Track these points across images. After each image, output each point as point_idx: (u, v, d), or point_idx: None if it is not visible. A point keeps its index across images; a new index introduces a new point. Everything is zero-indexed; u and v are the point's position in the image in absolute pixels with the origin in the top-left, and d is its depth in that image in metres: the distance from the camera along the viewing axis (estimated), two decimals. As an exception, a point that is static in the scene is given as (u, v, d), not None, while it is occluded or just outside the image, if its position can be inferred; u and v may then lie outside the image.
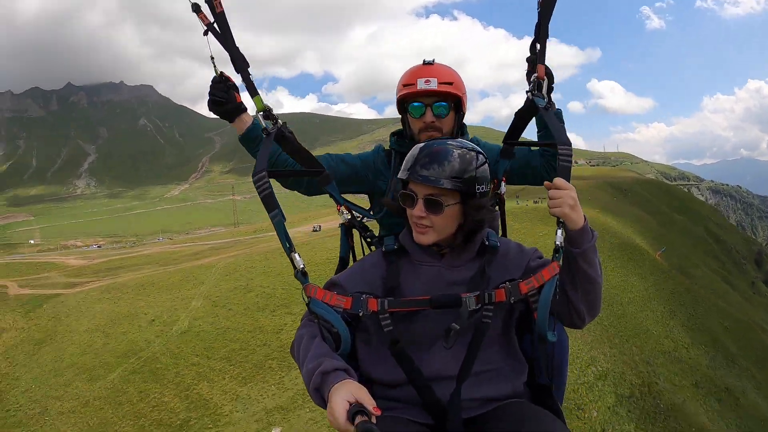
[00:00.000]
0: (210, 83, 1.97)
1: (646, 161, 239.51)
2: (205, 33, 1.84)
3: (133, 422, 13.50)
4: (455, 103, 2.12)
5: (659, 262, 25.03)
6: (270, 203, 1.57)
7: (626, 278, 20.81)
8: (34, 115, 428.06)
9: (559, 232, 1.52)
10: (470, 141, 2.07)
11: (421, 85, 2.06)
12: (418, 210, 1.54)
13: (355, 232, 2.10)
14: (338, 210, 2.04)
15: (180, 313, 20.32)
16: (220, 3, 1.81)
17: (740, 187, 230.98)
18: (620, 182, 53.61)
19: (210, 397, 13.56)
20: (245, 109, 2.02)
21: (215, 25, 1.83)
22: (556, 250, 1.53)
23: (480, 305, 1.52)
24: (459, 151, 1.54)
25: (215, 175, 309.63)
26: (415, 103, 2.09)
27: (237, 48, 1.86)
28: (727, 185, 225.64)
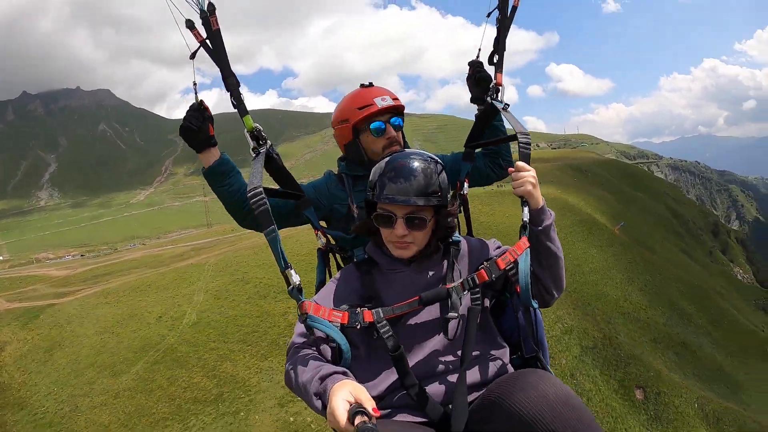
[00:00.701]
0: (187, 109, 1.92)
1: (606, 141, 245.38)
2: (192, 56, 1.81)
3: (168, 404, 14.70)
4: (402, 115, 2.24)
5: (618, 236, 26.93)
6: (265, 220, 1.53)
7: (587, 251, 22.47)
8: None
9: (525, 209, 1.62)
10: None
11: (379, 103, 2.15)
12: (399, 230, 1.58)
13: (332, 256, 2.22)
14: (316, 234, 2.10)
15: (185, 308, 21.18)
16: (216, 21, 1.77)
17: (699, 163, 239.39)
18: (580, 163, 55.71)
19: (235, 373, 14.87)
20: (215, 143, 2.01)
21: (208, 42, 1.79)
22: (524, 226, 1.62)
23: (467, 291, 1.59)
24: (422, 165, 1.61)
25: (180, 177, 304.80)
26: (375, 123, 2.16)
27: (229, 66, 1.81)
28: (686, 161, 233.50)
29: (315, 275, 2.19)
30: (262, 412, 13.29)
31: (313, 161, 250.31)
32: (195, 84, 1.86)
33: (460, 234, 1.86)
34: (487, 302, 1.73)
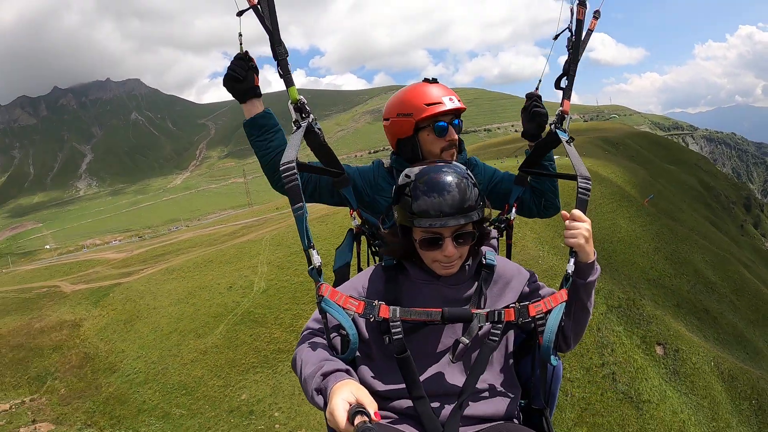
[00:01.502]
0: (232, 59, 1.89)
1: (639, 113, 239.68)
2: (239, 13, 1.76)
3: (255, 355, 17.00)
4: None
5: (647, 207, 27.46)
6: (295, 196, 1.48)
7: (615, 221, 23.40)
8: (24, 124, 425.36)
9: (572, 261, 1.54)
10: (468, 161, 2.25)
11: (448, 103, 2.05)
12: (449, 250, 1.51)
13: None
14: (351, 214, 2.06)
15: (252, 278, 23.15)
16: None
17: (735, 135, 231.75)
18: (612, 136, 55.62)
19: None
20: (260, 95, 1.97)
21: (259, 7, 1.73)
22: (566, 278, 1.56)
23: (489, 323, 1.53)
24: (457, 179, 1.51)
25: (214, 160, 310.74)
26: (441, 123, 2.07)
27: (279, 33, 1.74)
28: (722, 133, 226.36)
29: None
30: None
31: (344, 139, 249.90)
32: (240, 35, 1.81)
33: (497, 255, 1.80)
34: (511, 338, 1.69)
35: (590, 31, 2.07)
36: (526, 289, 1.69)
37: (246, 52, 1.89)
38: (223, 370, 17.94)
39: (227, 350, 18.74)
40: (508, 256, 2.17)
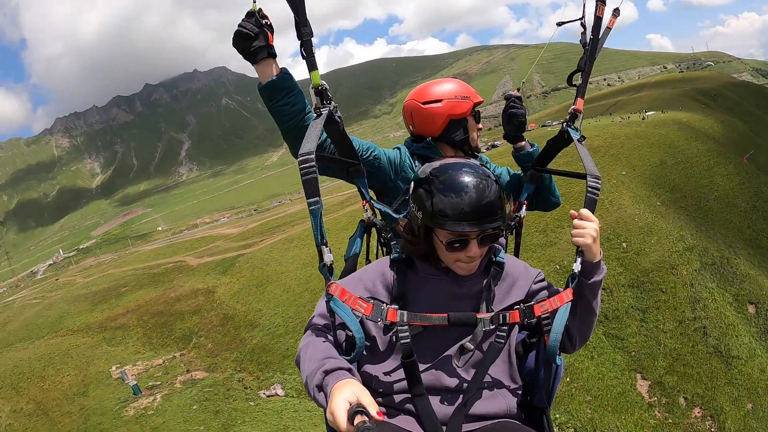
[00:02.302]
0: (244, 17, 1.70)
1: (739, 59, 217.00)
2: None
3: None
4: None
5: (745, 165, 26.86)
6: (312, 189, 1.40)
7: (712, 179, 23.49)
8: (122, 121, 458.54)
9: (578, 260, 1.55)
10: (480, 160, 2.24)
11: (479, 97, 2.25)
12: (474, 251, 1.51)
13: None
14: (363, 206, 2.01)
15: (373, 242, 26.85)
16: None
17: None
18: (709, 88, 52.31)
19: None
20: (275, 55, 1.78)
21: None
22: (573, 277, 1.56)
23: (494, 326, 1.53)
24: (483, 180, 1.50)
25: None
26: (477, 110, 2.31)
27: (305, 12, 1.59)
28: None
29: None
30: None
31: None
32: None
33: (503, 252, 1.75)
34: (514, 335, 1.67)
35: (608, 29, 2.02)
36: (533, 287, 1.67)
37: (260, 9, 1.71)
38: None
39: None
40: (517, 253, 2.18)
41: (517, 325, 1.64)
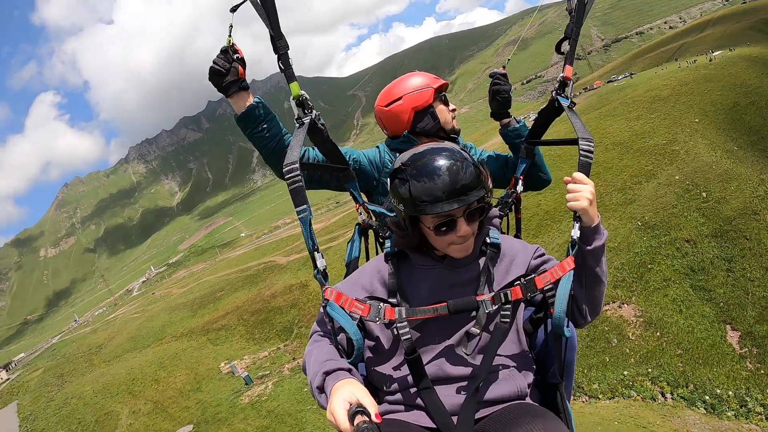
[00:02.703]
0: (218, 53, 1.80)
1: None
2: (233, 9, 1.71)
3: None
4: None
5: None
6: (299, 198, 1.47)
7: None
8: (192, 140, 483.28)
9: (576, 226, 1.50)
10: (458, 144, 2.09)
11: (441, 80, 2.33)
12: (464, 229, 1.47)
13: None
14: (356, 209, 2.05)
15: None
16: None
17: None
18: None
19: None
20: (246, 87, 1.88)
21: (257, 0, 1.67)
22: (573, 244, 1.50)
23: (497, 306, 1.48)
24: (458, 154, 1.47)
25: (372, 126, 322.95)
26: (444, 94, 2.35)
27: (279, 27, 1.67)
28: None
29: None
30: None
31: None
32: (231, 26, 1.73)
33: (500, 232, 1.73)
34: (521, 314, 1.62)
35: None
36: (533, 262, 1.61)
37: (233, 44, 1.78)
38: None
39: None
40: (518, 229, 2.18)
41: (522, 303, 1.59)
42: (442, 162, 1.44)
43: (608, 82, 68.77)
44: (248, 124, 1.92)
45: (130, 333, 65.66)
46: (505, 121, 2.36)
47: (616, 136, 27.26)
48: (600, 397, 15.60)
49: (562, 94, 1.93)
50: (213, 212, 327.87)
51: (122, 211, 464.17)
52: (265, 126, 1.94)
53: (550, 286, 1.49)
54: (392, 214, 1.88)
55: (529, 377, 1.57)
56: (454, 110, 2.35)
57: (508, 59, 2.41)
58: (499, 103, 2.31)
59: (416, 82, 2.24)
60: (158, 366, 41.42)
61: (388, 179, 1.57)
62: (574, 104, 1.88)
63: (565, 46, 1.98)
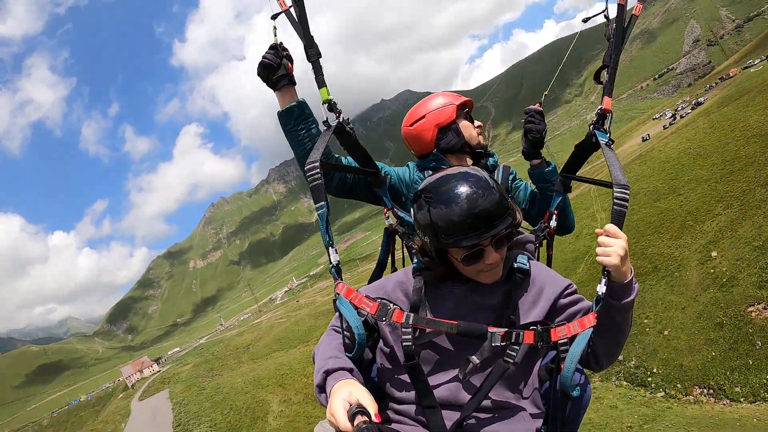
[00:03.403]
0: (268, 48, 1.89)
1: None
2: (274, 17, 1.82)
3: None
4: None
5: None
6: (318, 195, 1.53)
7: None
8: None
9: (603, 281, 1.43)
10: (494, 169, 2.29)
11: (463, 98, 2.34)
12: (491, 259, 1.43)
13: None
14: (385, 213, 2.06)
15: (594, 225, 28.62)
16: None
17: None
18: None
19: (661, 251, 22.52)
20: (295, 83, 1.94)
21: (292, 10, 1.79)
22: (597, 300, 1.44)
23: (505, 343, 1.42)
24: (483, 179, 1.43)
25: (503, 136, 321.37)
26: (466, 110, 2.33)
27: (311, 36, 1.78)
28: None
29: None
30: (690, 270, 19.85)
31: (624, 73, 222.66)
32: (275, 28, 1.84)
33: (527, 259, 1.62)
34: (539, 356, 1.59)
35: (635, 17, 1.91)
36: (561, 302, 1.54)
37: (280, 42, 1.88)
38: (593, 297, 23.27)
39: (592, 282, 22.82)
40: (549, 267, 1.96)
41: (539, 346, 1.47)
42: (463, 190, 1.40)
43: (744, 68, 61.73)
44: (290, 120, 1.95)
45: (277, 335, 73.00)
46: (536, 162, 2.30)
47: (756, 128, 25.22)
48: (741, 400, 15.17)
49: (601, 129, 1.84)
50: (350, 227, 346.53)
51: (264, 228, 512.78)
52: (305, 124, 1.97)
53: (565, 340, 1.43)
54: None
55: (538, 423, 1.53)
56: (479, 127, 2.36)
57: (545, 94, 2.43)
58: (530, 142, 2.27)
59: (439, 101, 2.28)
60: (306, 362, 44.74)
61: (413, 206, 1.54)
62: (613, 141, 1.77)
63: (604, 76, 1.86)
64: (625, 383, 19.02)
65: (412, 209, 1.54)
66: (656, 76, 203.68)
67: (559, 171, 2.17)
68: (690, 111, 63.62)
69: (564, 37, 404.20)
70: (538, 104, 2.30)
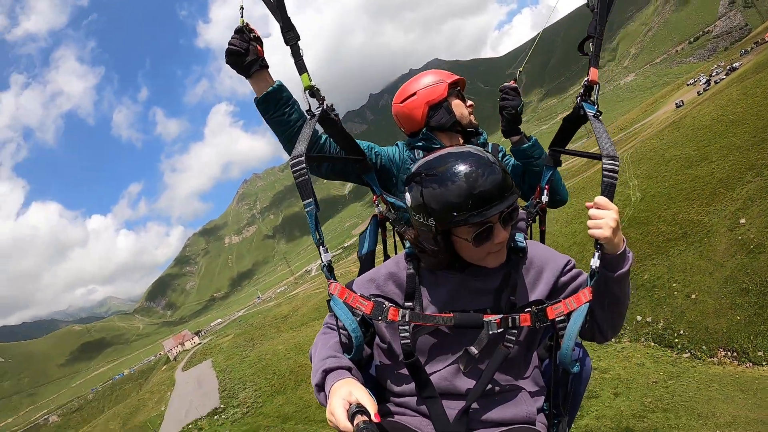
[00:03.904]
0: (233, 33, 1.76)
1: None
2: None
3: (648, 246, 22.54)
4: None
5: None
6: (305, 191, 1.45)
7: None
8: (358, 131, 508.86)
9: (597, 255, 1.42)
10: (484, 147, 2.18)
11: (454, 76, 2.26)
12: (501, 236, 1.40)
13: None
14: (374, 201, 2.02)
15: (627, 192, 28.44)
16: None
17: None
18: None
19: (690, 218, 22.74)
20: (267, 66, 1.82)
21: None
22: (592, 274, 1.44)
23: (503, 329, 1.43)
24: (485, 155, 1.41)
25: (534, 103, 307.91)
26: (458, 89, 2.26)
27: (288, 17, 1.68)
28: None
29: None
30: (719, 236, 20.36)
31: (657, 37, 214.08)
32: (242, 8, 1.70)
33: (524, 237, 1.63)
34: (537, 336, 1.59)
35: None
36: (562, 279, 1.54)
37: (246, 23, 1.75)
38: None
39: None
40: (542, 242, 1.99)
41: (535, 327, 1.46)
42: (470, 165, 1.36)
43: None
44: (270, 106, 1.86)
45: (315, 305, 74.74)
46: (515, 138, 2.26)
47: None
48: (764, 364, 15.42)
49: (588, 100, 1.80)
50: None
51: (297, 202, 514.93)
52: (287, 110, 1.89)
53: (562, 317, 1.43)
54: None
55: (540, 401, 1.55)
56: (471, 106, 2.32)
57: (520, 70, 2.39)
58: (506, 119, 2.22)
59: (430, 79, 2.22)
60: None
61: (407, 188, 1.48)
62: (601, 113, 1.71)
63: (589, 47, 1.80)
64: (653, 344, 19.69)
65: (410, 191, 1.46)
66: (691, 40, 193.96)
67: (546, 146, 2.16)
68: (725, 77, 61.74)
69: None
70: (512, 81, 2.28)
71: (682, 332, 19.02)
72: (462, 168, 1.36)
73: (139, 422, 54.98)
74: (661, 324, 20.08)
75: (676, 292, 20.31)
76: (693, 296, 19.52)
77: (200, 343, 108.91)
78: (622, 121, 75.58)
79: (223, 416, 41.94)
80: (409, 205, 1.47)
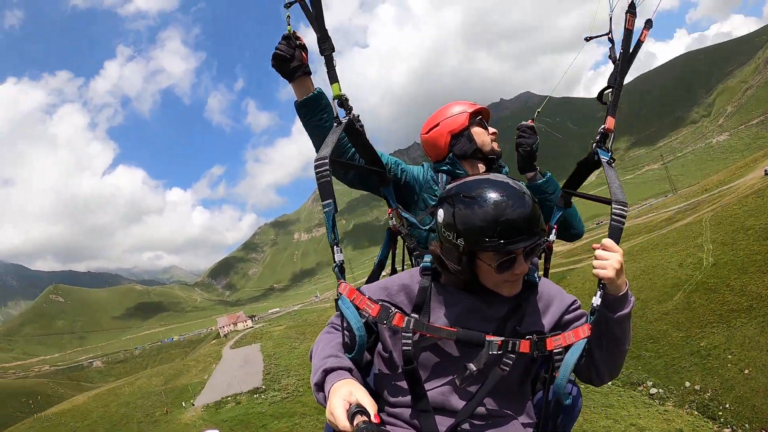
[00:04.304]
0: (280, 40, 1.85)
1: None
2: (287, 5, 1.78)
3: (711, 314, 22.48)
4: None
5: None
6: (326, 192, 1.52)
7: None
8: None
9: (599, 293, 1.47)
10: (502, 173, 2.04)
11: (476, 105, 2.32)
12: (522, 269, 1.43)
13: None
14: (389, 214, 2.08)
15: (700, 255, 28.64)
16: None
17: None
18: None
19: (760, 291, 22.03)
20: (310, 72, 1.91)
21: (306, 1, 1.74)
22: (593, 312, 1.48)
23: (501, 352, 1.45)
24: (519, 187, 1.42)
25: (621, 152, 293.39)
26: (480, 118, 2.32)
27: (326, 29, 1.74)
28: None
29: None
30: None
31: (757, 97, 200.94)
32: (288, 17, 1.80)
33: (536, 273, 1.66)
34: (535, 365, 1.63)
35: (640, 43, 1.95)
36: (566, 317, 1.58)
37: (294, 32, 1.84)
38: (683, 326, 23.46)
39: (685, 311, 24.05)
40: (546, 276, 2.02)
41: (534, 356, 1.49)
42: (501, 195, 1.37)
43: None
44: (309, 111, 1.95)
45: None
46: (530, 174, 2.30)
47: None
48: None
49: (603, 147, 1.87)
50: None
51: (371, 211, 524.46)
52: (324, 116, 1.96)
53: (560, 350, 1.47)
54: (424, 228, 2.02)
55: (529, 428, 1.57)
56: (495, 134, 2.34)
57: (538, 111, 2.49)
58: (522, 156, 2.27)
59: (453, 110, 2.30)
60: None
61: (441, 211, 1.48)
62: (614, 160, 1.80)
63: (607, 97, 1.91)
64: (696, 412, 19.42)
65: (443, 208, 1.47)
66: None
67: (561, 185, 2.18)
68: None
69: (695, 50, 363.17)
70: (530, 120, 2.35)
71: (728, 406, 18.66)
72: (493, 195, 1.38)
73: (181, 384, 57.33)
74: (709, 394, 19.73)
75: (729, 365, 19.92)
76: (746, 371, 19.09)
77: (252, 327, 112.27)
78: (707, 182, 71.43)
79: (263, 396, 43.65)
80: (440, 221, 1.48)
